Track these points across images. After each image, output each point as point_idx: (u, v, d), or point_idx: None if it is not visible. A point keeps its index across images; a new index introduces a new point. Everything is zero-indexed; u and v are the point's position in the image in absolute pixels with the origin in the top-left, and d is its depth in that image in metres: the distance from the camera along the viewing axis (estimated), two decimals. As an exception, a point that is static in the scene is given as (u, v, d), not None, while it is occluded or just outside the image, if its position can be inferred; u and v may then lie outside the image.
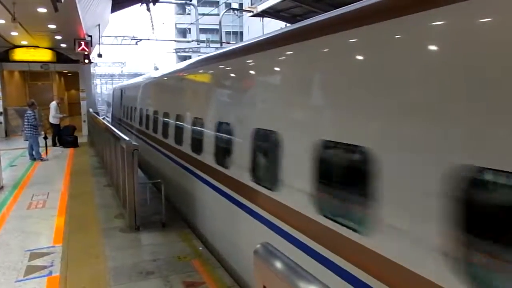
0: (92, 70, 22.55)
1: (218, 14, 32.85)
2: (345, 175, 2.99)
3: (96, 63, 33.44)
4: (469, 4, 1.98)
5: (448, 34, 2.15)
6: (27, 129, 11.77)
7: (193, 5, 36.11)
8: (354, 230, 2.62)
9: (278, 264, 1.62)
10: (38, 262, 4.86)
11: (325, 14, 3.65)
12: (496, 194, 1.95)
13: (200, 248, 5.30)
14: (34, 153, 11.92)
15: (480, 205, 1.99)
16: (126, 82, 18.94)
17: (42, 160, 11.95)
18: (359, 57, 2.82)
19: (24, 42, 16.64)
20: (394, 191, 2.35)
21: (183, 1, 36.21)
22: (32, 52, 17.64)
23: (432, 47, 2.26)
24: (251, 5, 21.51)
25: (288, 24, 15.68)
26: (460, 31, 2.07)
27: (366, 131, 2.60)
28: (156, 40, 30.77)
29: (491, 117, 1.84)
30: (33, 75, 20.59)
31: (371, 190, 2.46)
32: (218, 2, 45.38)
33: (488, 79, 1.90)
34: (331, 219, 2.88)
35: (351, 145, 2.72)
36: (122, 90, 17.23)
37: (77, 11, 10.93)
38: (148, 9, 23.41)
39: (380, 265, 2.39)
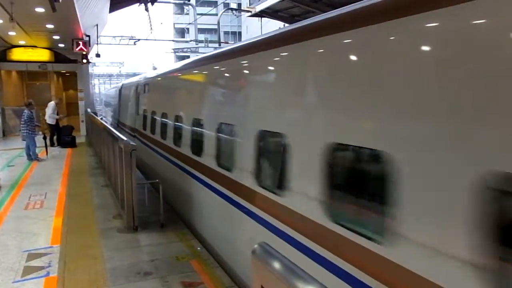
0: (90, 70, 22.57)
1: (216, 14, 32.86)
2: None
3: (94, 63, 33.46)
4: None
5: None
6: (23, 128, 11.75)
7: (191, 5, 36.11)
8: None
9: (276, 264, 1.62)
10: (35, 262, 4.85)
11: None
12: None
13: (199, 248, 5.30)
14: (31, 153, 11.88)
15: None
16: (148, 74, 11.52)
17: (38, 160, 11.90)
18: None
19: (22, 42, 16.60)
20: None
21: (182, 1, 36.20)
22: (30, 52, 17.60)
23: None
24: (250, 5, 21.53)
25: (286, 24, 15.70)
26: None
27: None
28: (155, 40, 30.74)
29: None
30: (31, 75, 20.56)
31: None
32: (217, 2, 45.33)
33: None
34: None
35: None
36: (141, 86, 10.99)
37: (75, 11, 10.91)
38: (146, 9, 23.40)
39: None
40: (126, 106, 13.73)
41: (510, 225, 1.75)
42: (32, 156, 11.86)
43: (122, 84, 16.42)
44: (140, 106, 10.90)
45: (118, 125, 15.64)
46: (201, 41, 30.76)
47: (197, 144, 5.84)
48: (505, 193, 1.75)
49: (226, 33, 48.78)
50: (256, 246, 1.70)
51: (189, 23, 39.49)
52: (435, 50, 2.16)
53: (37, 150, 12.17)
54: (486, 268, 1.75)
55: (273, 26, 18.59)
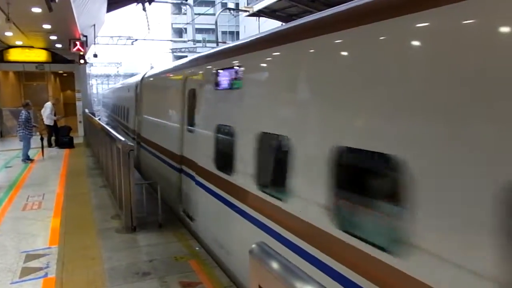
0: (87, 71, 22.48)
1: (214, 14, 32.84)
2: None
3: (92, 63, 33.36)
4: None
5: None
6: (19, 129, 11.69)
7: (189, 4, 36.06)
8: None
9: (274, 264, 1.62)
10: (33, 263, 4.84)
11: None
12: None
13: (197, 248, 5.30)
14: (21, 154, 11.74)
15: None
16: (228, 47, 6.02)
17: (25, 161, 11.62)
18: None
19: (18, 43, 16.54)
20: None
21: (179, 1, 36.13)
22: (27, 53, 17.54)
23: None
24: (247, 4, 21.52)
25: (283, 24, 15.70)
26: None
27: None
28: (152, 40, 30.72)
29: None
30: (28, 75, 20.50)
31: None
32: (214, 1, 45.34)
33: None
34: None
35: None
36: (202, 77, 5.84)
37: (72, 11, 10.87)
38: (144, 9, 23.30)
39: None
40: (157, 115, 8.48)
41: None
42: (22, 157, 11.73)
43: (143, 77, 10.72)
44: (201, 116, 5.74)
45: (139, 143, 10.22)
46: (199, 41, 30.74)
47: None
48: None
49: (224, 33, 48.72)
50: (253, 246, 1.70)
51: (187, 23, 39.46)
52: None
53: (34, 151, 12.13)
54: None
55: (271, 25, 18.60)
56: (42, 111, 14.77)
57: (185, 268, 4.70)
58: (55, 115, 14.83)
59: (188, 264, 4.81)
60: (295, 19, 12.75)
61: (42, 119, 15.04)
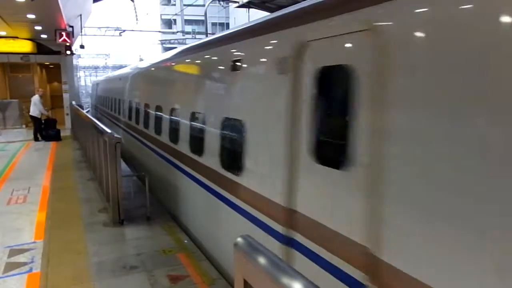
0: (75, 62, 22.07)
1: (203, 5, 32.45)
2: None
3: (79, 55, 32.83)
4: None
5: None
6: None
7: (178, -5, 35.63)
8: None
9: (259, 258, 1.57)
10: (18, 258, 4.75)
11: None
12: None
13: (185, 242, 5.25)
14: None
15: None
16: None
17: None
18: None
19: (2, 33, 16.12)
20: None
21: (168, -9, 35.67)
22: (11, 43, 17.11)
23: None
24: (237, -5, 21.28)
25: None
26: None
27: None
28: (141, 31, 30.31)
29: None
30: (13, 67, 20.08)
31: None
32: (204, -8, 44.77)
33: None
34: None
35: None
36: None
37: (57, 0, 10.61)
38: (132, -1, 22.96)
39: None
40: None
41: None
42: None
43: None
44: None
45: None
46: (188, 33, 30.46)
47: None
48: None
49: (213, 24, 48.22)
50: (238, 239, 1.65)
51: (176, 14, 38.95)
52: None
53: (21, 144, 11.94)
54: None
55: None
56: (32, 107, 14.37)
57: (173, 261, 4.65)
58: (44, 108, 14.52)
59: (176, 257, 4.76)
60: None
61: (28, 111, 14.76)
